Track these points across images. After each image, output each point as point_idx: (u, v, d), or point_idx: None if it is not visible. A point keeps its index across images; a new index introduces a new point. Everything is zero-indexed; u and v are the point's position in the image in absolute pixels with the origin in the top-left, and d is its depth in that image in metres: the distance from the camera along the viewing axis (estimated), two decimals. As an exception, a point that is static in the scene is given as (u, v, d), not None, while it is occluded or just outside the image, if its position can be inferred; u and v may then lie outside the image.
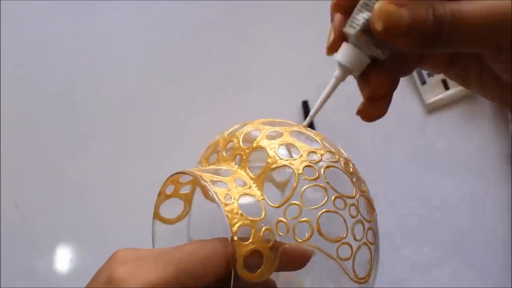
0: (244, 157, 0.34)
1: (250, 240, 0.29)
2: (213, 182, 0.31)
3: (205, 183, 0.31)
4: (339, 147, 0.36)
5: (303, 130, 0.36)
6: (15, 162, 0.62)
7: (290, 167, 0.32)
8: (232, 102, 0.61)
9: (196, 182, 0.41)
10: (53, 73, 0.66)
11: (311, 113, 0.31)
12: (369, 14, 0.25)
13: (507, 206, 0.57)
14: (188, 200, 0.41)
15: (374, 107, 0.29)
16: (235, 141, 0.35)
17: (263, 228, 0.30)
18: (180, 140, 0.60)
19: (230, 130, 0.38)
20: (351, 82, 0.31)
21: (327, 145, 0.34)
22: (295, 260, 0.31)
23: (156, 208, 0.38)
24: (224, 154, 0.36)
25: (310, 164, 0.32)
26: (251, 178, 0.33)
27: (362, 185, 0.34)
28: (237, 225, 0.29)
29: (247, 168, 0.34)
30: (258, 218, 0.30)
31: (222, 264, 0.30)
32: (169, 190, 0.38)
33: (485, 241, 0.56)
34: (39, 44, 0.67)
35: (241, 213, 0.30)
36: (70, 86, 0.65)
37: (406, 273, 0.55)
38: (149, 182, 0.60)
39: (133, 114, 0.63)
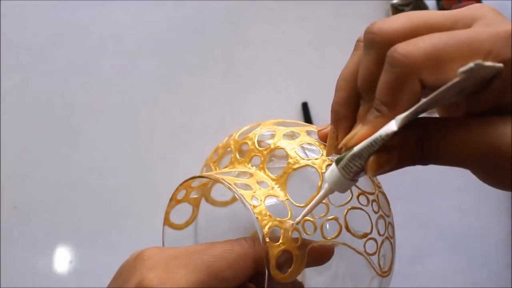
0: (262, 158, 0.34)
1: (280, 241, 0.29)
2: (237, 185, 0.31)
3: (230, 187, 0.30)
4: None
5: (316, 129, 0.36)
6: (15, 163, 0.61)
7: (313, 167, 0.32)
8: (232, 104, 0.61)
9: (205, 186, 0.40)
10: (53, 74, 0.64)
11: (300, 217, 0.31)
12: (361, 163, 0.26)
13: (507, 206, 0.57)
14: (196, 204, 0.41)
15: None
16: (250, 142, 0.35)
17: (292, 228, 0.30)
18: (180, 141, 0.60)
19: (240, 132, 0.38)
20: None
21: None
22: (320, 257, 0.32)
23: (167, 214, 0.37)
24: (237, 156, 0.36)
25: (331, 162, 0.32)
26: (272, 179, 0.33)
27: (377, 181, 0.35)
28: (267, 226, 0.29)
29: (266, 169, 0.34)
30: (286, 219, 0.30)
31: (251, 265, 0.30)
32: (180, 195, 0.38)
33: (485, 241, 0.57)
34: (39, 44, 0.65)
35: (269, 215, 0.30)
36: (69, 87, 0.64)
37: (406, 272, 0.56)
38: (150, 183, 0.59)
39: (133, 115, 0.62)
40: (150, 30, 0.66)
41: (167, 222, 0.38)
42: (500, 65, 0.21)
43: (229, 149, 0.37)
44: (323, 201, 0.31)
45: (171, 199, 0.37)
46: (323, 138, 0.33)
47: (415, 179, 0.59)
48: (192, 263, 0.29)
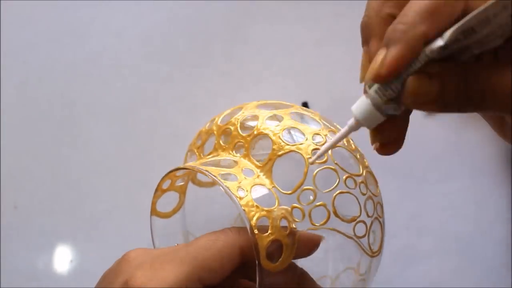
0: (246, 145, 0.33)
1: (269, 231, 0.29)
2: (223, 176, 0.30)
3: (215, 179, 0.30)
4: (335, 124, 0.36)
5: (301, 110, 0.35)
6: (15, 163, 0.60)
7: (298, 152, 0.31)
8: (232, 103, 0.60)
9: (191, 173, 0.40)
10: (53, 74, 0.64)
11: (320, 151, 0.29)
12: (397, 86, 0.23)
13: (507, 206, 0.57)
14: (183, 191, 0.40)
15: (388, 149, 0.28)
16: (233, 128, 0.34)
17: (280, 217, 0.30)
18: (179, 141, 0.59)
19: (222, 116, 0.37)
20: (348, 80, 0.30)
21: (327, 124, 0.34)
22: (309, 245, 0.31)
23: (153, 204, 0.37)
24: (221, 142, 0.35)
25: (317, 146, 0.31)
26: (257, 167, 0.32)
27: (365, 160, 0.34)
28: (255, 218, 0.29)
29: (251, 156, 0.33)
30: (273, 208, 0.30)
31: (237, 254, 0.30)
32: (166, 185, 0.37)
33: (485, 241, 0.57)
34: (38, 44, 0.64)
35: (256, 205, 0.29)
36: (69, 87, 0.63)
37: (405, 272, 0.56)
38: (149, 182, 0.59)
39: (133, 114, 0.62)
40: (150, 30, 0.65)
41: (154, 212, 0.37)
42: None
43: (212, 134, 0.37)
44: (310, 187, 0.31)
45: (156, 190, 0.36)
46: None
47: (414, 179, 0.58)
48: (178, 257, 0.28)
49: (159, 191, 0.36)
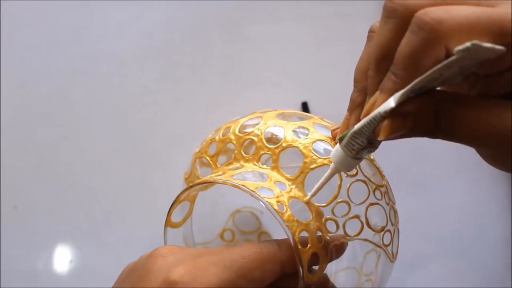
0: (274, 157, 0.33)
1: (309, 245, 0.30)
2: (259, 190, 0.30)
3: (254, 195, 0.30)
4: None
5: (321, 121, 0.36)
6: (14, 163, 0.57)
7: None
8: (232, 103, 0.60)
9: (208, 185, 0.39)
10: (53, 74, 0.60)
11: (308, 198, 0.31)
12: (362, 140, 0.26)
13: (507, 206, 0.58)
14: (193, 200, 0.39)
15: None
16: (256, 139, 0.34)
17: (316, 229, 0.31)
18: (179, 140, 0.58)
19: (239, 125, 0.36)
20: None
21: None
22: (337, 251, 0.33)
23: (169, 215, 0.36)
24: (242, 152, 0.35)
25: (347, 159, 0.32)
26: (288, 179, 0.33)
27: (382, 171, 0.36)
28: (297, 232, 0.30)
29: (279, 169, 0.33)
30: (309, 221, 0.31)
31: (278, 268, 0.30)
32: (183, 195, 0.36)
33: (485, 241, 0.57)
34: (38, 44, 0.61)
35: (296, 220, 0.30)
36: (69, 87, 0.60)
37: (406, 273, 0.57)
38: (150, 183, 0.58)
39: (133, 115, 0.59)
40: (150, 29, 0.62)
41: (169, 223, 0.36)
42: (501, 47, 0.20)
43: (229, 144, 0.36)
44: (344, 199, 0.32)
45: (175, 201, 0.35)
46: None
47: (414, 179, 0.59)
48: (222, 262, 0.28)
49: (177, 202, 0.35)
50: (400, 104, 0.23)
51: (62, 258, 0.54)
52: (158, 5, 0.62)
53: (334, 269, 0.39)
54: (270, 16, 0.62)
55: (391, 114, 0.23)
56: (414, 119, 0.24)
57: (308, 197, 0.31)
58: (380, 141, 0.26)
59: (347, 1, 0.63)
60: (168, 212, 0.36)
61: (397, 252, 0.35)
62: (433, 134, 0.25)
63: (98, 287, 0.50)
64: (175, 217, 0.37)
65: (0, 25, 0.60)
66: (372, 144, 0.26)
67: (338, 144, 0.28)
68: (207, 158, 0.37)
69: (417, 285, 0.56)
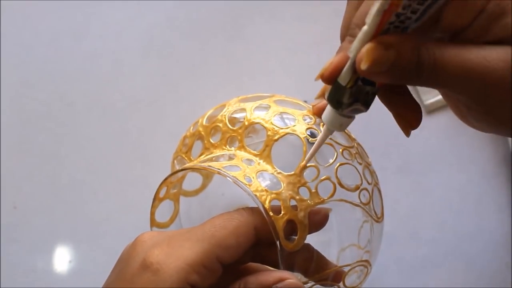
0: (239, 137, 0.34)
1: (282, 212, 0.30)
2: (226, 168, 0.31)
3: (220, 171, 0.30)
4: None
5: (284, 97, 0.36)
6: (14, 163, 0.58)
7: (294, 134, 0.32)
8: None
9: (183, 179, 0.39)
10: (53, 74, 0.62)
11: (308, 155, 0.31)
12: (350, 85, 0.26)
13: (507, 206, 0.57)
14: (177, 198, 0.40)
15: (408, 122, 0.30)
16: (221, 124, 0.35)
17: (289, 197, 0.31)
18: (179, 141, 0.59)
19: (205, 117, 0.37)
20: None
21: (309, 106, 0.35)
22: (319, 219, 0.32)
23: (152, 214, 0.36)
24: (211, 141, 0.35)
25: (310, 126, 0.33)
26: (255, 155, 0.33)
27: (351, 134, 0.36)
28: (267, 200, 0.30)
29: (246, 147, 0.33)
30: (280, 190, 0.31)
31: (252, 232, 0.30)
32: (162, 193, 0.37)
33: (485, 241, 0.57)
34: (38, 44, 0.63)
35: (265, 189, 0.30)
36: (69, 87, 0.61)
37: (406, 273, 0.56)
38: (148, 182, 0.57)
39: (132, 115, 0.60)
40: (149, 29, 0.64)
41: (153, 223, 0.37)
42: None
43: (198, 136, 0.37)
44: (312, 164, 0.32)
45: (154, 199, 0.36)
46: (318, 113, 0.33)
47: (413, 179, 0.59)
48: (195, 236, 0.28)
49: (156, 200, 0.36)
50: (380, 35, 0.23)
51: (62, 258, 0.55)
52: (158, 4, 0.64)
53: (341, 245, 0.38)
54: (270, 15, 0.63)
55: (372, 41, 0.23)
56: (396, 51, 0.24)
57: (303, 162, 0.31)
58: (368, 94, 0.26)
59: (347, 1, 0.64)
60: (151, 212, 0.36)
61: (382, 213, 0.35)
62: (417, 76, 0.24)
63: (97, 287, 0.50)
64: (161, 217, 0.38)
65: (0, 25, 0.62)
66: (360, 96, 0.26)
67: (328, 105, 0.28)
68: (182, 155, 0.38)
69: (416, 285, 0.55)
